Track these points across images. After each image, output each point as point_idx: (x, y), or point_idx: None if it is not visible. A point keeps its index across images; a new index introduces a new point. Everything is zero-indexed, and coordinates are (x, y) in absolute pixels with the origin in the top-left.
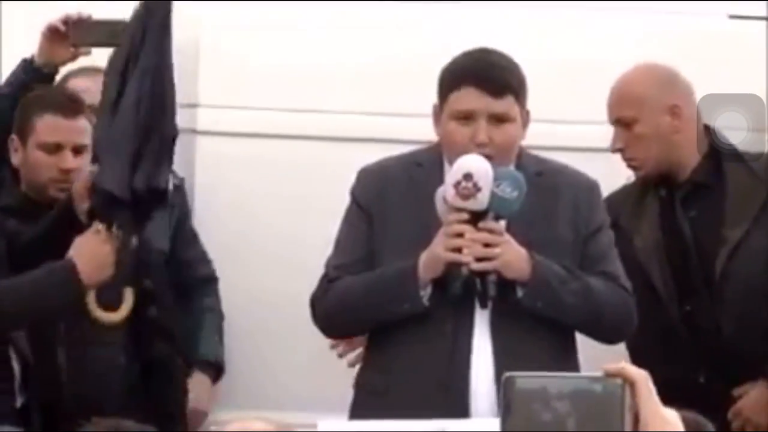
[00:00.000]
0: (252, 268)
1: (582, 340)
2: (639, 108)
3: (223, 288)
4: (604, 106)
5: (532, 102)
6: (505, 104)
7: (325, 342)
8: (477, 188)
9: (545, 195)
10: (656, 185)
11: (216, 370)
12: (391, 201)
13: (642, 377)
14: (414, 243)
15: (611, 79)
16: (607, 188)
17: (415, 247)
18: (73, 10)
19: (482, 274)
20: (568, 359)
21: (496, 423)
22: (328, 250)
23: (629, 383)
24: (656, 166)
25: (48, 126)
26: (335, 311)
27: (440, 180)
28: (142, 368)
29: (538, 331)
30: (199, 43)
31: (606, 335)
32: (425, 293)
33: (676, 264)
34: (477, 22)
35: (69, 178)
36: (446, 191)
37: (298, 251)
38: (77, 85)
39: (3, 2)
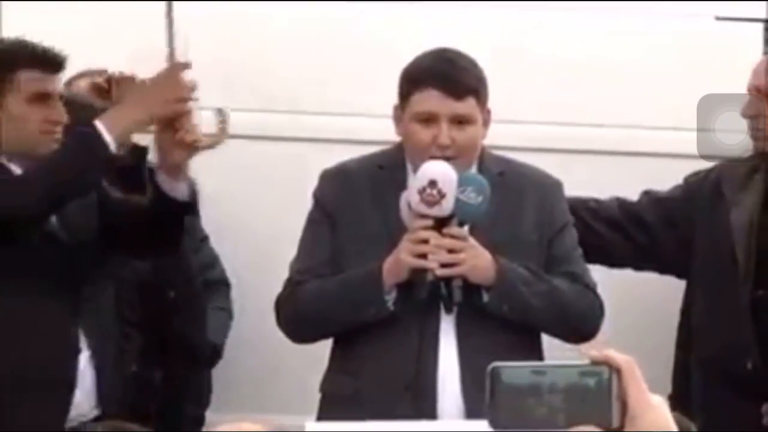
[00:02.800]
0: (236, 269)
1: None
2: None
3: None
4: (593, 107)
5: (513, 103)
6: (467, 106)
7: (317, 344)
8: (441, 195)
9: (508, 195)
10: (766, 170)
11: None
12: (353, 204)
13: (628, 364)
14: (377, 246)
15: (602, 80)
16: (596, 191)
17: (378, 250)
18: (72, 11)
19: (447, 280)
20: (534, 360)
21: (471, 424)
22: None
23: (615, 370)
24: None
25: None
26: (301, 316)
27: (403, 182)
28: (162, 380)
29: (503, 333)
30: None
31: (572, 336)
32: (390, 298)
33: (763, 247)
34: (454, 21)
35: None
36: (410, 197)
37: (279, 251)
38: (80, 88)
39: (3, 2)
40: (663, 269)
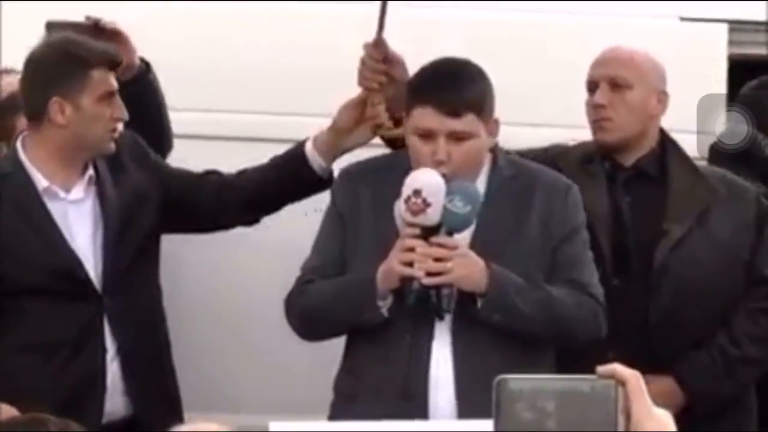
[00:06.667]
0: (202, 273)
1: None
2: (639, 77)
3: (173, 291)
4: (556, 107)
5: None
6: (464, 123)
7: (279, 344)
8: (426, 204)
9: (517, 198)
10: (601, 158)
11: None
12: (361, 205)
13: (634, 377)
14: (377, 250)
15: (566, 80)
16: None
17: (378, 255)
18: (73, 10)
19: (436, 288)
20: (536, 366)
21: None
22: (270, 251)
23: (621, 383)
24: (624, 138)
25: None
26: (306, 314)
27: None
28: None
29: (499, 339)
30: None
31: (568, 344)
32: (384, 304)
33: (615, 239)
34: (409, 23)
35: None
36: (399, 205)
37: (246, 252)
38: (7, 85)
39: (3, 2)
40: None
